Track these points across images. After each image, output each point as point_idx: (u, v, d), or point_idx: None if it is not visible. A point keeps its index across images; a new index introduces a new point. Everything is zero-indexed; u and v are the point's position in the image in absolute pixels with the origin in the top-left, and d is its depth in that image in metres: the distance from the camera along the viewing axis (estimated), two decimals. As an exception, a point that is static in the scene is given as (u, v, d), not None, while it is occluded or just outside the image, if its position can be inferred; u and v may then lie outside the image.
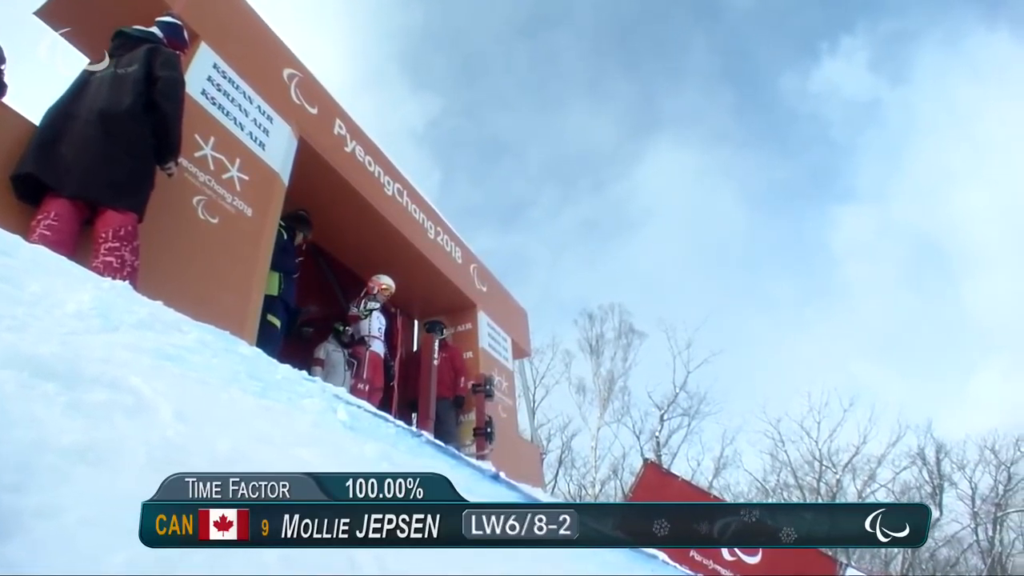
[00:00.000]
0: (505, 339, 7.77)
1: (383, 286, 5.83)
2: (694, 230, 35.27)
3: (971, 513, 20.03)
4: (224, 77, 3.89)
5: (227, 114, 3.81)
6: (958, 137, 32.25)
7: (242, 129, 3.91)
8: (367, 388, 5.32)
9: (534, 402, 21.05)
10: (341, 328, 6.32)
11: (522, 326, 8.68)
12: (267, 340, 4.00)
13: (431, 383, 4.66)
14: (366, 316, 5.62)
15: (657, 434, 21.56)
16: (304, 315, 4.85)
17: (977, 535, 19.86)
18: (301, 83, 4.70)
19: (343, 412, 1.25)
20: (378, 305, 5.69)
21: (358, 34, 33.99)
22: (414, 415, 5.89)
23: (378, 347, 5.64)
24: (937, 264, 33.16)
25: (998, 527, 19.70)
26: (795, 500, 21.86)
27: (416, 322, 7.22)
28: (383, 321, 5.84)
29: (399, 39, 36.08)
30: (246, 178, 3.80)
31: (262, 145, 4.06)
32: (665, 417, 21.82)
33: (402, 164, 6.09)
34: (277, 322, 4.07)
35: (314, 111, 4.81)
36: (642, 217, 35.58)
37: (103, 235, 2.63)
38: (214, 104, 3.72)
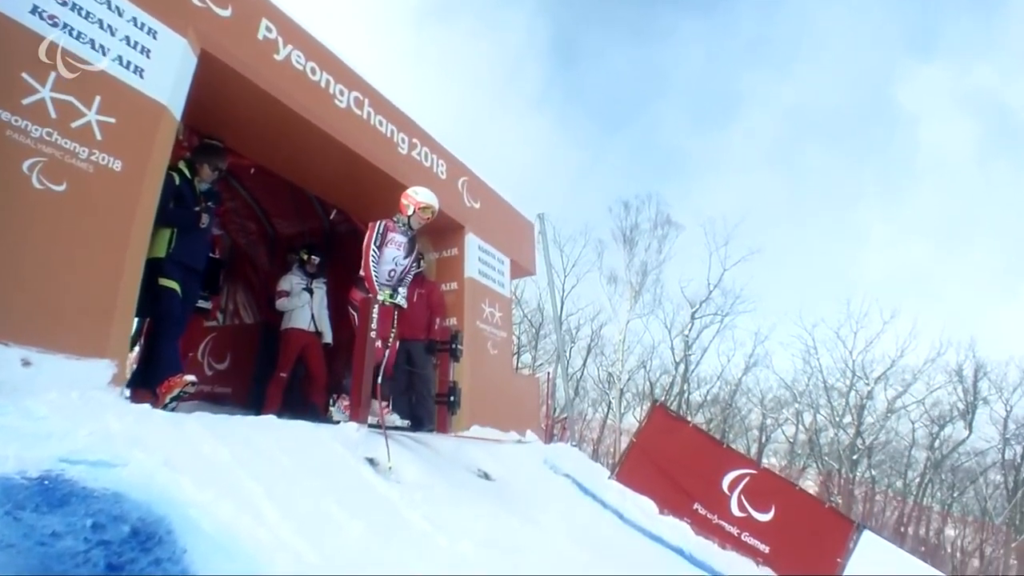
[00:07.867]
0: (502, 261, 7.10)
1: (421, 205, 4.30)
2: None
3: (1001, 436, 19.31)
4: (74, -19, 3.00)
5: (77, 36, 2.97)
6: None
7: (104, 54, 3.09)
8: (382, 344, 4.10)
9: (564, 290, 20.77)
10: (306, 256, 5.84)
11: (527, 242, 7.93)
12: (167, 307, 3.55)
13: (367, 353, 3.75)
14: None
15: (687, 332, 21.12)
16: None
17: (1004, 454, 19.33)
18: (204, -24, 3.71)
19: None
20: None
21: None
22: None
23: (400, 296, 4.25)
24: (1014, 143, 28.72)
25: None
26: (823, 404, 21.61)
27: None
28: (402, 262, 4.39)
29: None
30: (111, 121, 3.06)
31: (139, 72, 3.25)
32: (696, 315, 21.23)
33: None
34: (174, 284, 3.53)
35: (226, 13, 3.85)
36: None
37: None
38: (54, 24, 2.89)
